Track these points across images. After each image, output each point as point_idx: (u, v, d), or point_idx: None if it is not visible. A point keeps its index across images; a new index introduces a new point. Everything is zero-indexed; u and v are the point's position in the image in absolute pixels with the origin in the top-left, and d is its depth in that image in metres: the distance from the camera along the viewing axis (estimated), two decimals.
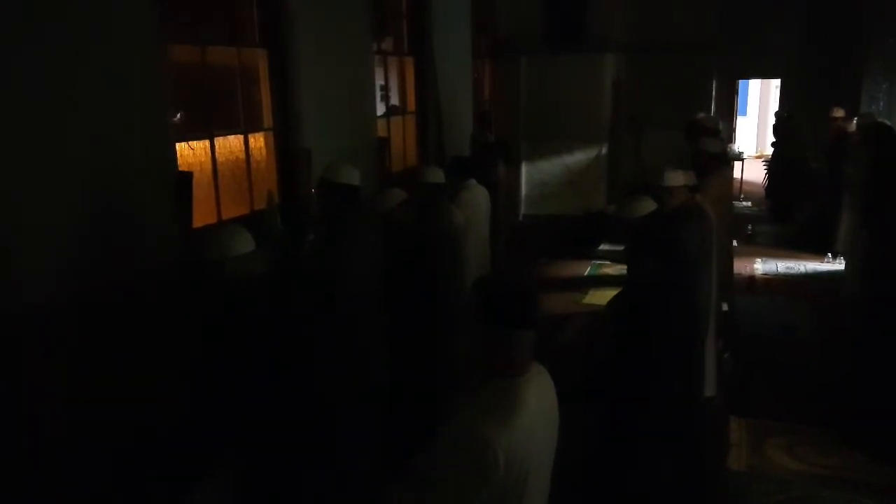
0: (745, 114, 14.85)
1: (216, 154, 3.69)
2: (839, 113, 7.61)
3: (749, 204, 10.30)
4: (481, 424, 1.53)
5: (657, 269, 2.45)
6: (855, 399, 4.16)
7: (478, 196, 4.56)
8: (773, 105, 13.51)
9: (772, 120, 10.93)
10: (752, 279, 6.87)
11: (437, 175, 3.95)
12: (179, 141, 3.43)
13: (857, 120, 7.19)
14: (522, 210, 8.55)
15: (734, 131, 12.95)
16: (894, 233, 4.43)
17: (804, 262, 7.34)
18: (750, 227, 8.70)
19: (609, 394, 2.49)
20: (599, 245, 7.64)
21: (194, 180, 3.33)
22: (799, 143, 9.14)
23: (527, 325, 1.64)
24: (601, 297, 6.04)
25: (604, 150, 8.37)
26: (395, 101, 6.11)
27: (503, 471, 1.50)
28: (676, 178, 3.59)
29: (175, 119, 3.56)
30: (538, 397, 1.65)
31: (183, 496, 2.62)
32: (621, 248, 3.03)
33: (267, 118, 4.17)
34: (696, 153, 4.45)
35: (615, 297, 2.71)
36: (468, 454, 1.53)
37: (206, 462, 2.62)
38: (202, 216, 3.54)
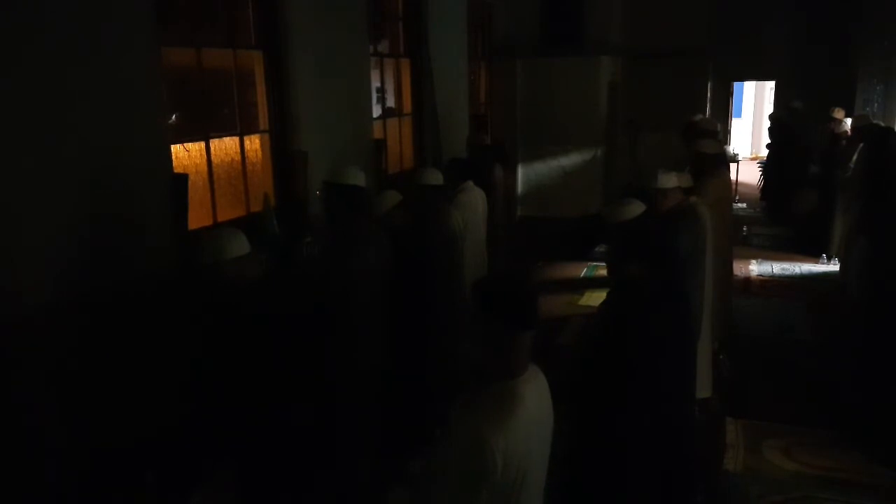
0: (739, 115, 14.90)
1: (212, 156, 3.68)
2: (839, 114, 7.61)
3: (744, 205, 10.32)
4: (480, 427, 1.54)
5: (642, 272, 2.44)
6: (853, 400, 4.17)
7: (475, 198, 4.57)
8: (768, 107, 13.55)
9: (766, 121, 10.96)
10: (747, 280, 6.88)
11: (436, 177, 3.95)
12: (175, 143, 3.42)
13: (852, 121, 7.21)
14: (519, 212, 8.55)
15: (729, 133, 12.99)
16: (891, 235, 4.43)
17: (799, 264, 7.36)
18: (745, 229, 8.72)
19: (599, 395, 2.48)
20: (596, 247, 7.65)
21: (190, 182, 3.32)
22: (794, 143, 9.16)
23: (528, 327, 1.64)
24: (597, 298, 6.03)
25: (600, 153, 8.38)
26: (391, 103, 6.11)
27: (501, 472, 1.51)
28: (670, 180, 3.60)
29: (171, 121, 3.55)
30: (535, 398, 1.66)
31: (183, 497, 2.62)
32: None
33: (263, 120, 4.16)
34: (696, 155, 4.45)
35: (607, 297, 2.70)
36: (467, 457, 1.53)
37: (205, 463, 2.61)
38: (198, 218, 3.52)
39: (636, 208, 2.96)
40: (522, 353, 1.65)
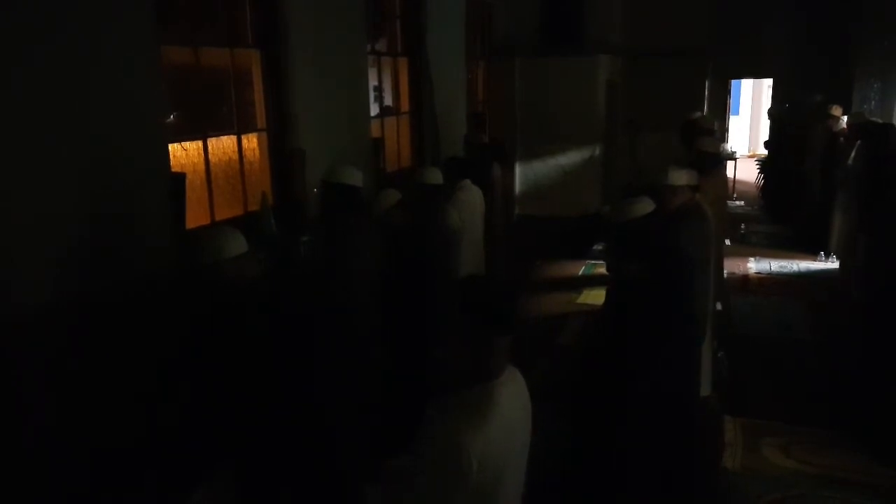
0: (737, 113, 14.92)
1: (209, 155, 3.67)
2: (837, 111, 7.63)
3: (742, 203, 10.34)
4: (457, 429, 1.55)
5: (641, 271, 2.44)
6: (851, 399, 4.18)
7: (473, 196, 4.57)
8: (766, 104, 13.57)
9: (765, 120, 10.96)
10: (745, 278, 6.89)
11: (435, 176, 3.95)
12: (173, 142, 3.41)
13: (848, 119, 7.23)
14: (517, 211, 8.56)
15: (727, 131, 13.00)
16: (891, 233, 4.44)
17: (797, 262, 7.37)
18: (743, 227, 8.73)
19: (600, 395, 2.48)
20: (594, 245, 7.66)
21: (188, 181, 3.31)
22: (791, 141, 9.18)
23: (507, 331, 1.66)
24: (595, 296, 6.05)
25: (599, 152, 8.38)
26: (389, 101, 6.10)
27: (477, 474, 1.52)
28: (680, 178, 3.58)
29: (169, 119, 3.54)
30: (512, 399, 1.68)
31: (183, 497, 2.61)
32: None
33: (260, 119, 4.15)
34: (696, 153, 4.44)
35: (606, 296, 2.70)
36: (444, 459, 1.55)
37: (205, 463, 2.60)
38: (196, 217, 3.52)
39: (646, 206, 2.91)
40: (501, 357, 1.66)
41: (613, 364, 2.36)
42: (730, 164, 9.53)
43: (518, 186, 8.55)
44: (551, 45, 8.16)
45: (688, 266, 2.93)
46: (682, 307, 2.57)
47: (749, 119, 15.53)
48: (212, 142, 3.72)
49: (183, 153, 3.60)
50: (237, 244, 2.46)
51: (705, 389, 3.97)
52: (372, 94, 5.45)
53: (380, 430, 3.10)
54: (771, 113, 10.49)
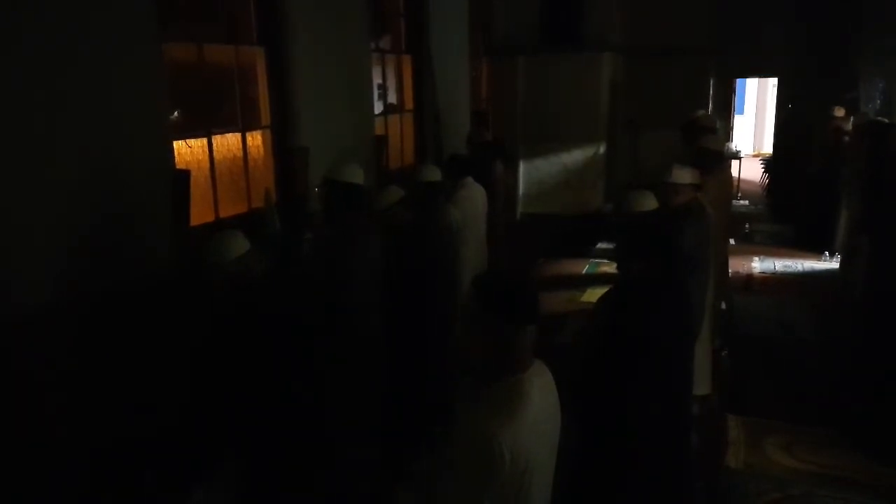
0: (742, 112, 14.87)
1: (214, 152, 3.68)
2: (839, 112, 7.60)
3: (747, 202, 10.32)
4: (487, 422, 1.54)
5: (647, 267, 2.44)
6: (852, 399, 4.17)
7: (475, 194, 4.57)
8: (771, 104, 13.53)
9: (769, 119, 10.93)
10: (749, 277, 6.88)
11: (434, 174, 3.95)
12: (177, 139, 3.42)
13: (853, 120, 7.20)
14: (520, 209, 8.55)
15: (732, 130, 12.96)
16: (892, 234, 4.42)
17: (801, 261, 7.35)
18: (747, 226, 8.71)
19: (599, 394, 2.48)
20: (597, 244, 7.66)
21: (192, 178, 3.32)
22: (798, 141, 9.15)
23: (530, 321, 1.65)
24: (599, 295, 6.03)
25: (601, 150, 8.37)
26: (392, 99, 6.10)
27: (509, 467, 1.52)
28: (684, 176, 3.58)
29: (173, 117, 3.54)
30: (541, 393, 1.67)
31: (183, 497, 2.62)
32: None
33: (265, 116, 4.16)
34: (699, 151, 4.43)
35: (606, 293, 2.70)
36: (475, 452, 1.54)
37: (205, 462, 2.61)
38: (200, 215, 3.52)
39: (649, 202, 2.99)
40: (526, 348, 1.66)
41: (612, 363, 2.36)
42: (734, 163, 9.50)
43: (521, 185, 8.55)
44: (551, 44, 8.16)
45: (687, 265, 2.93)
46: (678, 306, 2.56)
47: (754, 118, 15.48)
48: (216, 139, 3.72)
49: (188, 150, 3.60)
50: (237, 245, 2.46)
51: (705, 388, 3.97)
52: (375, 92, 5.45)
53: (381, 428, 3.11)
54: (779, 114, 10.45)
